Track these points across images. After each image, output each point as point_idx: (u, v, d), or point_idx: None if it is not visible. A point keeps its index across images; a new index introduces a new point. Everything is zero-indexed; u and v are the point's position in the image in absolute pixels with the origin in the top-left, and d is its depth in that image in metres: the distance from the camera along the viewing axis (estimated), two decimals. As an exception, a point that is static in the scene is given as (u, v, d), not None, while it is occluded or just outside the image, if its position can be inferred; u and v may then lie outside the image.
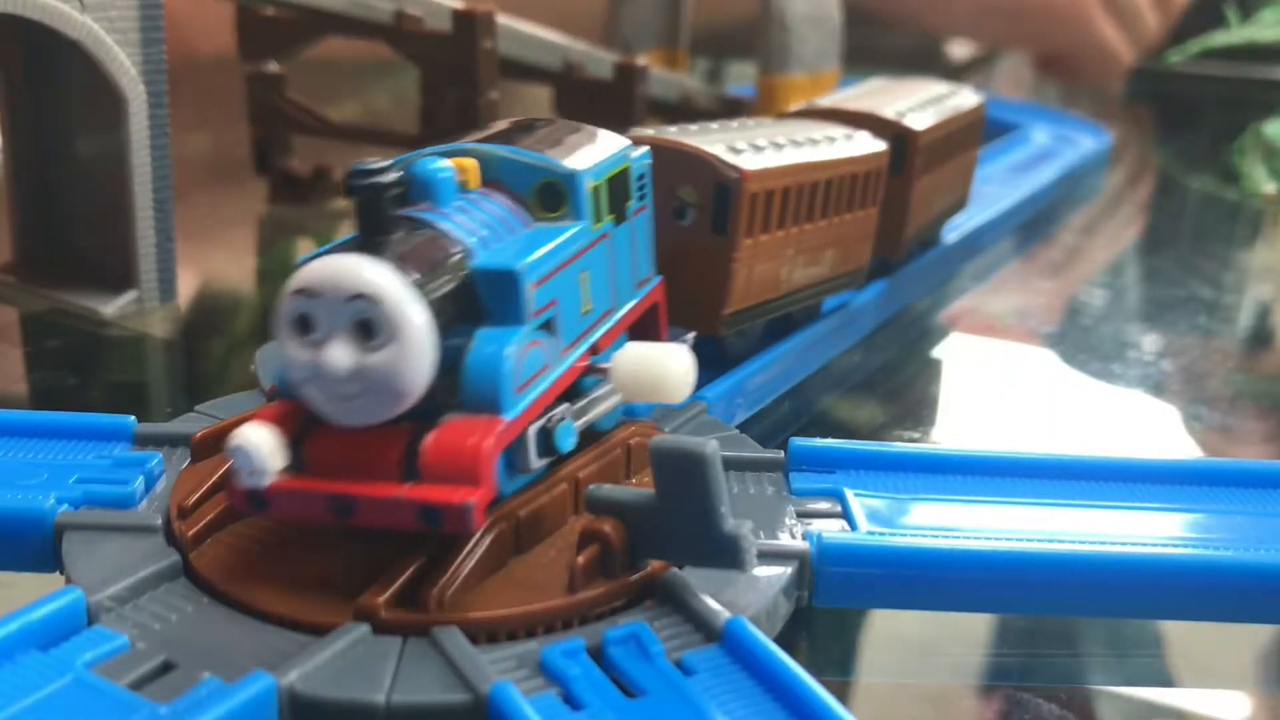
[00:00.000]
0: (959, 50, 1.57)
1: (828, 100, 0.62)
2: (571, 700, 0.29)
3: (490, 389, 0.32)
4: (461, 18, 0.69)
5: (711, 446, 0.31)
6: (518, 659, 0.31)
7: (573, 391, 0.36)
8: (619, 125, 0.79)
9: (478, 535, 0.33)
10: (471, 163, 0.36)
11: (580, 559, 0.33)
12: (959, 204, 0.70)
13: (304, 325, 0.31)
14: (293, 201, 0.79)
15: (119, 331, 0.59)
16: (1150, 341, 0.67)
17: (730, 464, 0.41)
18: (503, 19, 0.72)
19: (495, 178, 0.36)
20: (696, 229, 0.46)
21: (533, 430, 0.33)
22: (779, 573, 0.35)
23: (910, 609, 0.38)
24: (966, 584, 0.36)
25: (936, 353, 0.66)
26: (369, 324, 0.30)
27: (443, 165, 0.35)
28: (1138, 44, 1.41)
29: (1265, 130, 1.11)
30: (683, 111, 0.86)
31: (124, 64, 0.57)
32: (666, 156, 0.44)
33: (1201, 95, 1.28)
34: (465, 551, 0.33)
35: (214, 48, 0.81)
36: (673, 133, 0.48)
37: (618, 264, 0.39)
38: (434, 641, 0.31)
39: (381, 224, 0.32)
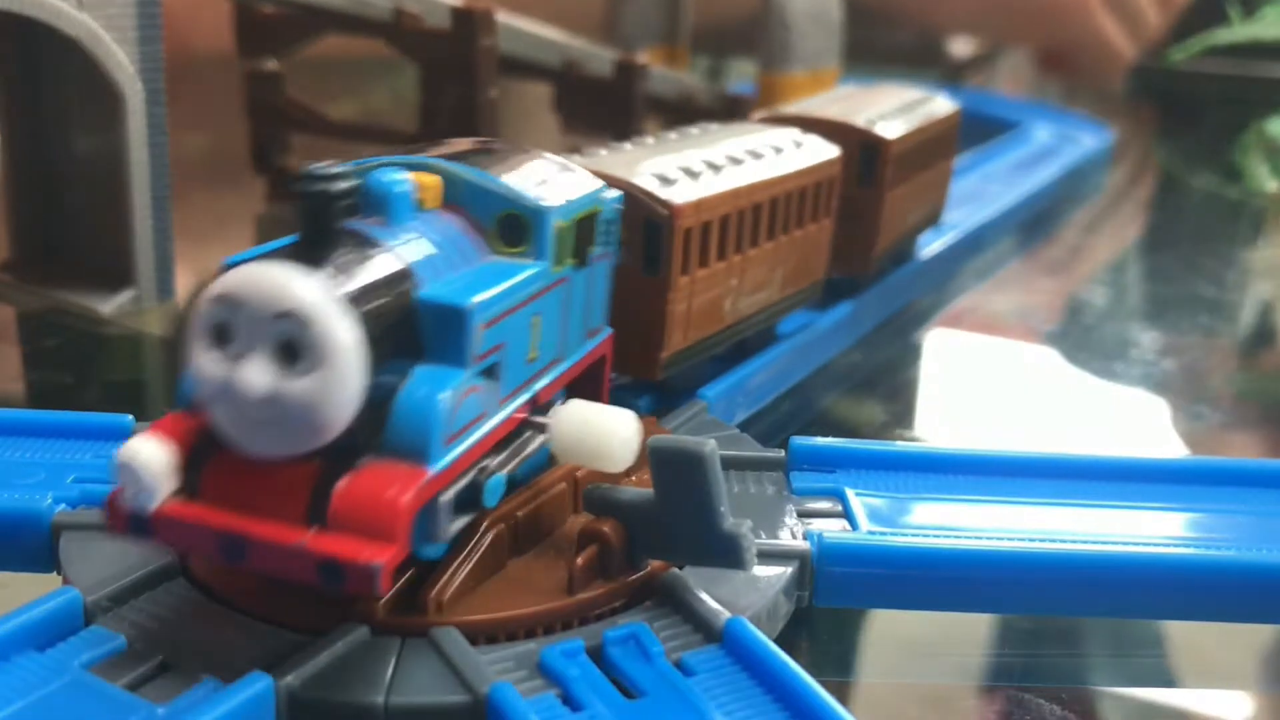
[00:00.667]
0: (960, 47, 1.57)
1: (794, 108, 0.58)
2: (571, 701, 0.29)
3: (419, 435, 0.28)
4: (461, 15, 0.69)
5: (710, 446, 0.31)
6: (516, 660, 0.31)
7: (505, 442, 0.33)
8: (620, 123, 0.79)
9: (476, 536, 0.33)
10: (434, 180, 0.33)
11: (579, 560, 0.33)
12: (933, 216, 0.67)
13: (220, 335, 0.28)
14: (291, 200, 0.78)
15: (117, 330, 0.59)
16: (1152, 340, 0.67)
17: (730, 463, 0.41)
18: (502, 16, 0.72)
19: (457, 200, 0.33)
20: (627, 268, 0.41)
21: (445, 500, 0.30)
22: (779, 573, 0.35)
23: (911, 609, 0.38)
24: (968, 584, 0.36)
25: (938, 351, 0.66)
26: (294, 345, 0.27)
27: (401, 179, 0.32)
28: (1139, 40, 1.40)
29: (1268, 128, 1.11)
30: (683, 109, 0.86)
31: (122, 62, 0.56)
32: None
33: (1203, 93, 1.28)
34: (464, 553, 0.32)
35: (212, 46, 0.81)
36: (603, 156, 0.44)
37: (571, 312, 0.36)
38: (432, 642, 0.31)
39: (325, 235, 0.29)
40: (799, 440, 0.41)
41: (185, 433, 0.29)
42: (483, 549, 0.33)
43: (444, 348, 0.30)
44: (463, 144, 0.36)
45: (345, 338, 0.27)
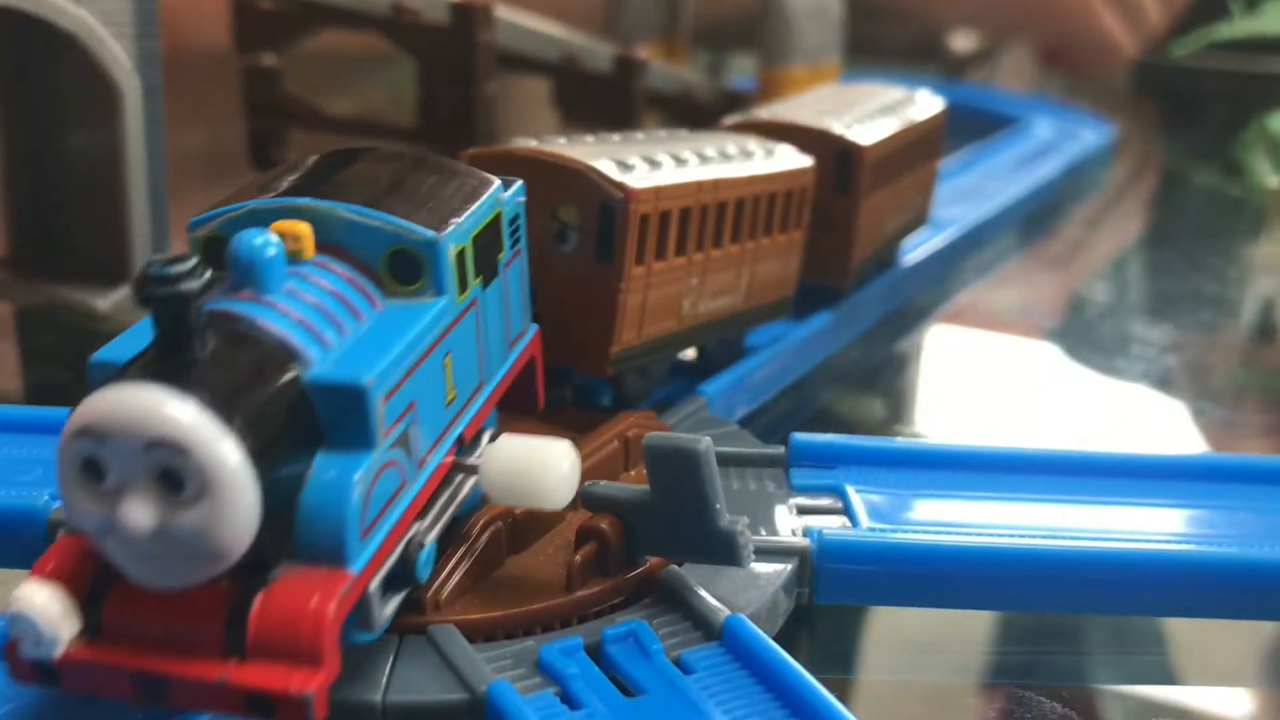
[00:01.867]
0: (961, 42, 1.57)
1: (766, 111, 0.55)
2: (569, 699, 0.29)
3: (332, 536, 0.26)
4: (459, 10, 0.69)
5: (704, 443, 0.31)
6: (515, 658, 0.30)
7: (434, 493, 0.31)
8: (619, 119, 0.79)
9: (474, 534, 0.33)
10: (305, 229, 0.29)
11: (577, 557, 0.33)
12: (917, 221, 0.63)
13: (92, 469, 0.25)
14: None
15: (114, 326, 0.58)
16: (1154, 336, 0.66)
17: (730, 460, 0.41)
18: (501, 11, 0.72)
19: (335, 241, 0.29)
20: (579, 256, 0.40)
21: (375, 586, 0.27)
22: (779, 570, 0.35)
23: (912, 606, 0.38)
24: (969, 581, 0.36)
25: (939, 347, 0.65)
26: (174, 474, 0.24)
27: (268, 240, 0.27)
28: (1140, 36, 1.40)
29: (1271, 124, 1.10)
30: (683, 105, 0.86)
31: (119, 57, 0.56)
32: (545, 172, 0.39)
33: (1206, 88, 1.27)
34: (461, 552, 0.32)
35: (210, 41, 0.81)
36: (561, 144, 0.42)
37: (487, 332, 0.33)
38: (430, 640, 0.31)
39: (187, 338, 0.25)
40: (799, 436, 0.41)
41: (79, 563, 0.26)
42: (480, 547, 0.33)
43: (345, 430, 0.27)
44: (318, 162, 0.32)
45: (230, 458, 0.24)
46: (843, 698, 0.29)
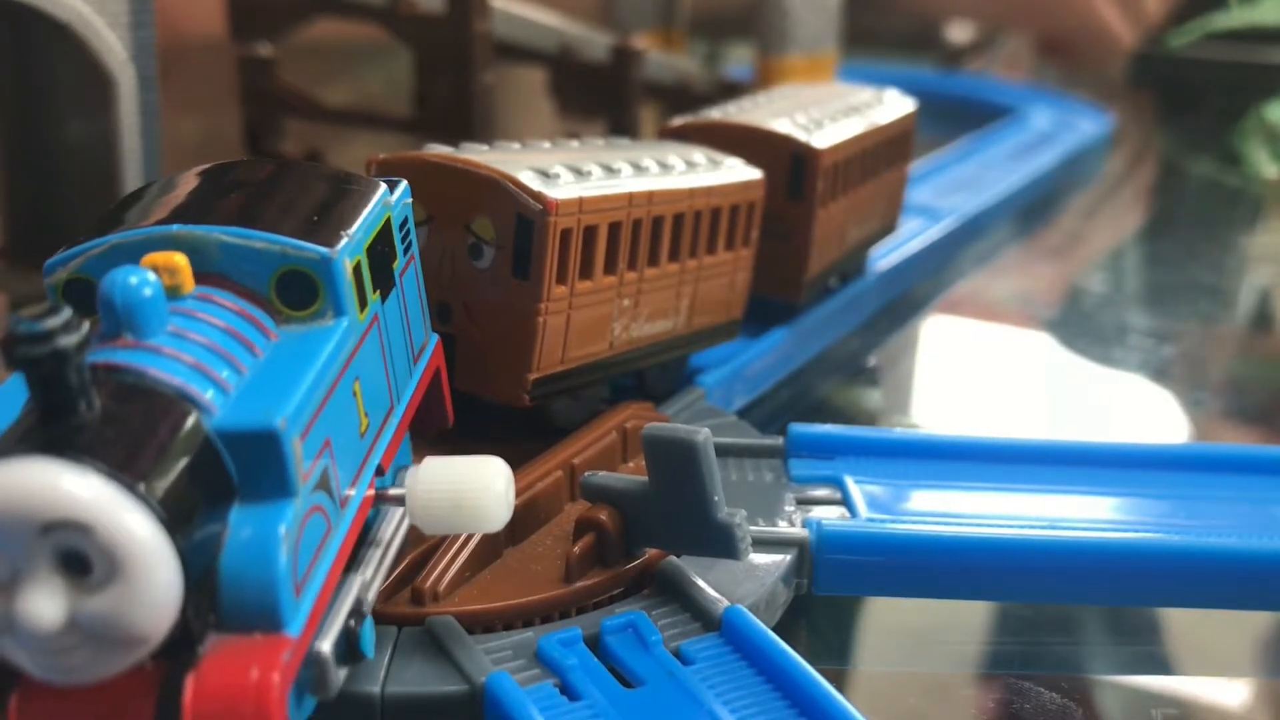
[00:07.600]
0: (959, 32, 1.57)
1: (718, 112, 0.52)
2: (568, 690, 0.29)
3: (263, 599, 0.23)
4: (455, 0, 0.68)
5: (703, 434, 0.31)
6: (514, 649, 0.30)
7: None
8: (616, 108, 0.79)
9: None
10: (180, 260, 0.26)
11: (576, 548, 0.33)
12: (885, 229, 0.60)
13: None
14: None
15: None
16: (1151, 326, 0.66)
17: (728, 450, 0.41)
18: (497, 1, 0.72)
19: (214, 269, 0.27)
20: (495, 273, 0.36)
21: (328, 647, 0.25)
22: (778, 560, 0.35)
23: (910, 596, 0.38)
24: (967, 571, 0.36)
25: (937, 338, 0.65)
26: (78, 555, 0.21)
27: (144, 277, 0.24)
28: (1138, 26, 1.40)
29: (1268, 114, 1.10)
30: (680, 95, 0.85)
31: (114, 47, 0.56)
32: (459, 181, 0.36)
33: (1204, 79, 1.27)
34: (459, 543, 0.32)
35: (205, 30, 0.81)
36: (481, 151, 0.39)
37: (392, 350, 0.30)
38: (429, 632, 0.31)
39: (72, 399, 0.22)
40: (797, 427, 0.41)
41: None
42: (479, 539, 0.33)
43: (261, 480, 0.24)
44: (175, 182, 0.30)
45: (140, 531, 0.21)
46: (841, 688, 0.29)
